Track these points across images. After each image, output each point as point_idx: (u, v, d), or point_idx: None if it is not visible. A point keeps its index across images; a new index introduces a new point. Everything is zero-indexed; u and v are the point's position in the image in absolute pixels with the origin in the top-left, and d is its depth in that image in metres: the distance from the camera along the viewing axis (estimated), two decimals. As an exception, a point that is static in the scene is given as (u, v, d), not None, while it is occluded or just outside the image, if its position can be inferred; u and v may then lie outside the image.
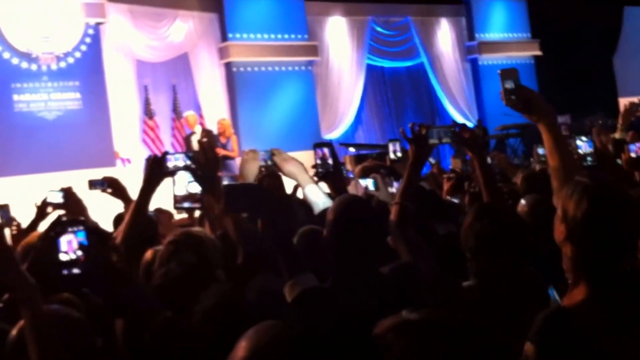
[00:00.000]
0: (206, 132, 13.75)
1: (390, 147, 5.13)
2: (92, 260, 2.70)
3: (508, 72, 3.08)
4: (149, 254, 3.63)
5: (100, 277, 2.73)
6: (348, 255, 2.95)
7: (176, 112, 15.66)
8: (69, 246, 2.71)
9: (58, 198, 5.03)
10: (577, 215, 2.30)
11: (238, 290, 2.91)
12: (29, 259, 2.90)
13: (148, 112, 15.26)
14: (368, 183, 5.19)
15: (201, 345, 2.51)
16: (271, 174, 4.09)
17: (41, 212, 5.11)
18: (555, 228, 2.40)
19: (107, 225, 5.34)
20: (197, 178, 3.77)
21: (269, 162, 4.12)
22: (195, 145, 13.46)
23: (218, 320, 2.48)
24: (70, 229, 2.70)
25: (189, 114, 14.30)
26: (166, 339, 2.68)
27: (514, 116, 18.27)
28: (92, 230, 2.76)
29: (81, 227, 2.71)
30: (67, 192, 5.05)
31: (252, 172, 4.28)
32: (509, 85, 3.10)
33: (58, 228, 2.71)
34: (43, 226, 4.97)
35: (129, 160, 14.55)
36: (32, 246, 3.74)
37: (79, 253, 2.69)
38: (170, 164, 3.77)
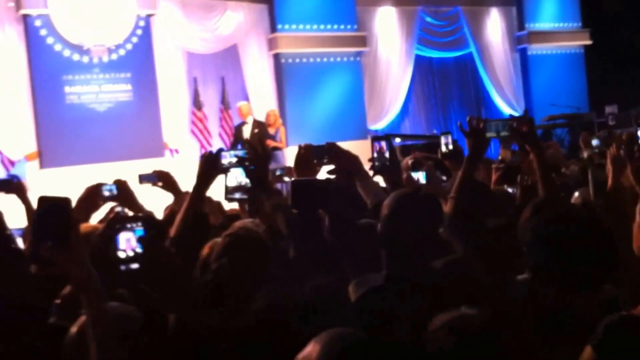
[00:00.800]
0: (258, 124, 13.80)
1: (443, 140, 5.08)
2: (151, 255, 2.70)
3: None
4: (207, 247, 3.64)
5: (158, 273, 2.72)
6: (402, 251, 2.95)
7: (224, 103, 15.75)
8: (127, 244, 2.70)
9: (111, 190, 5.04)
10: None
11: (292, 288, 2.88)
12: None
13: (197, 104, 15.35)
14: (419, 176, 5.16)
15: (255, 346, 2.49)
16: (340, 172, 4.06)
17: (90, 200, 5.07)
18: (634, 236, 2.35)
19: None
20: (249, 174, 3.79)
21: (325, 157, 4.09)
22: (246, 136, 13.50)
23: (272, 320, 2.45)
24: (129, 226, 2.70)
25: (242, 104, 14.33)
26: (219, 337, 2.66)
27: (562, 106, 18.20)
28: (151, 226, 2.76)
29: (139, 224, 2.70)
30: (120, 185, 5.05)
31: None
32: None
33: (117, 225, 2.71)
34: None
35: (177, 151, 14.68)
36: (85, 238, 3.76)
37: (138, 250, 2.68)
38: (225, 161, 3.78)
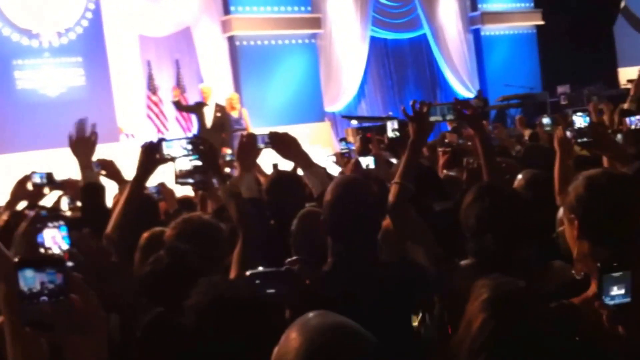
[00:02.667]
0: (220, 108, 13.70)
1: (389, 126, 5.10)
2: (79, 254, 2.62)
3: None
4: (143, 237, 3.58)
5: (89, 270, 2.64)
6: (346, 238, 2.94)
7: (180, 86, 15.60)
8: (53, 241, 2.63)
9: (42, 178, 5.08)
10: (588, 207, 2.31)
11: (235, 280, 2.80)
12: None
13: (151, 88, 15.20)
14: (369, 161, 5.19)
15: (197, 344, 2.43)
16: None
17: (20, 189, 5.09)
18: (567, 232, 2.39)
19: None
20: (201, 157, 3.76)
21: (267, 145, 4.07)
22: (207, 118, 13.36)
23: (214, 317, 2.39)
24: (51, 225, 2.62)
25: (205, 87, 14.15)
26: (158, 336, 2.59)
27: (515, 87, 18.37)
28: (75, 223, 2.67)
29: (62, 222, 2.63)
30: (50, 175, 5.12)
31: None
32: None
33: (38, 224, 2.63)
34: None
35: (132, 136, 14.55)
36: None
37: (65, 246, 2.61)
38: (168, 151, 3.71)
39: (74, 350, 1.71)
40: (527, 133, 9.22)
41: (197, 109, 13.68)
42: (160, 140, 3.75)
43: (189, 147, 3.71)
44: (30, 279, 1.77)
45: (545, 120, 7.24)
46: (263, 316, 2.30)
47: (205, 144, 3.75)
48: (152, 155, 3.70)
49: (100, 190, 4.47)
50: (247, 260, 3.24)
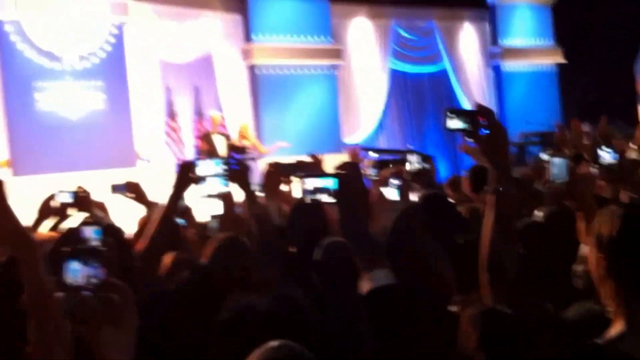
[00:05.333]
0: (226, 136, 13.74)
1: (408, 159, 5.08)
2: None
3: None
4: (167, 259, 3.60)
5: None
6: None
7: (199, 113, 15.65)
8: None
9: (68, 198, 5.19)
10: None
11: (255, 298, 2.77)
12: None
13: (171, 114, 15.25)
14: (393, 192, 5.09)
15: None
16: None
17: (45, 211, 5.18)
18: (592, 266, 2.30)
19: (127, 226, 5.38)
20: (234, 177, 3.79)
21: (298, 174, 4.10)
22: (219, 147, 13.35)
23: (231, 335, 2.37)
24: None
25: (216, 114, 14.24)
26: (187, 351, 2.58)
27: (535, 124, 18.25)
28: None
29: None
30: (78, 193, 5.21)
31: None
32: None
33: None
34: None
35: (149, 161, 14.56)
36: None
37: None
38: (200, 171, 3.75)
39: (104, 342, 1.79)
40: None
41: (211, 141, 13.64)
42: (196, 159, 3.82)
43: (222, 168, 3.75)
44: (75, 271, 1.85)
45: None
46: (293, 329, 2.29)
47: (239, 164, 3.80)
48: (187, 174, 3.74)
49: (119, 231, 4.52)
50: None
